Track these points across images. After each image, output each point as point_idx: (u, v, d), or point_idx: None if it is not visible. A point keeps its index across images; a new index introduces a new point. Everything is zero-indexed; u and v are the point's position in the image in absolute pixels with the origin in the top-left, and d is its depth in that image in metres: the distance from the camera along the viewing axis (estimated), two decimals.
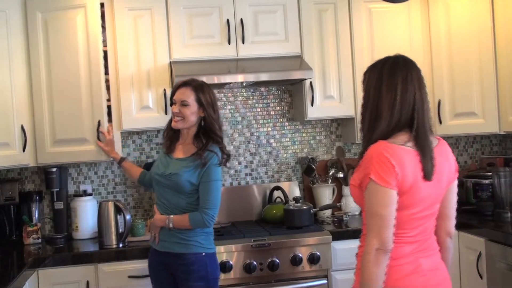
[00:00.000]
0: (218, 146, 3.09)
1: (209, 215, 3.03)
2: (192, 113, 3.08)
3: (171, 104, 3.17)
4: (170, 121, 3.17)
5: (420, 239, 2.24)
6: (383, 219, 2.10)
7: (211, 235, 3.15)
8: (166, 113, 3.82)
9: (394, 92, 2.17)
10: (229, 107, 4.38)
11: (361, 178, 2.18)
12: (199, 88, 3.10)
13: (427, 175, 2.17)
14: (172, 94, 3.17)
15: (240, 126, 4.39)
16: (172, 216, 3.06)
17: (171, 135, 3.19)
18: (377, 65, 2.28)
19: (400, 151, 2.14)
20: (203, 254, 3.07)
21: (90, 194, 4.10)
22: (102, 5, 3.81)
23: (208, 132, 3.09)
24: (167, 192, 3.12)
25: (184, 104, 3.08)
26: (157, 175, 3.16)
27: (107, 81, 3.86)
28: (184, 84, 3.14)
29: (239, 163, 4.38)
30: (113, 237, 3.63)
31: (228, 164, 3.21)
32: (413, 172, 2.15)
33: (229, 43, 3.90)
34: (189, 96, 3.08)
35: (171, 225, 3.05)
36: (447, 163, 2.29)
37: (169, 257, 3.10)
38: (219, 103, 4.25)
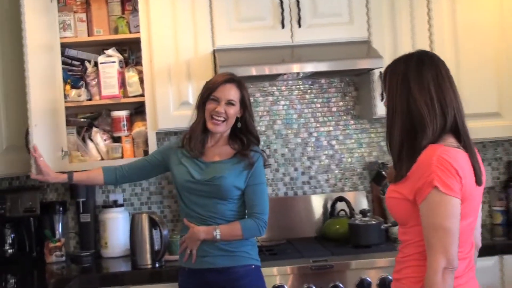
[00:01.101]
0: (258, 147, 3.24)
1: (263, 220, 3.13)
2: (235, 113, 3.19)
3: (204, 101, 3.22)
4: (199, 121, 3.23)
5: (469, 254, 2.31)
6: (449, 233, 2.16)
7: (256, 246, 3.24)
8: None
9: (429, 93, 2.26)
10: (282, 102, 4.39)
11: (414, 189, 2.23)
12: (243, 86, 3.22)
13: (478, 179, 2.28)
14: (212, 90, 3.20)
15: (296, 126, 4.39)
16: (219, 225, 3.11)
17: (202, 137, 3.24)
18: (398, 66, 2.36)
19: (458, 154, 2.24)
20: (253, 266, 3.14)
21: (121, 205, 4.16)
22: None
23: (244, 133, 3.22)
24: (205, 201, 3.16)
25: (231, 103, 3.16)
26: (189, 183, 3.18)
27: (140, 73, 3.94)
28: (229, 80, 3.20)
29: (295, 169, 4.37)
30: (148, 255, 3.66)
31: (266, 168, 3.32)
32: (470, 176, 2.25)
33: (282, 27, 3.91)
34: (235, 94, 3.17)
35: (218, 236, 3.09)
36: (482, 166, 2.38)
37: (210, 274, 3.13)
38: (271, 98, 4.32)
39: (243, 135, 3.22)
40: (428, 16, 4.04)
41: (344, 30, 3.97)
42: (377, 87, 3.99)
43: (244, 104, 3.19)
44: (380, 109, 3.99)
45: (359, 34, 3.99)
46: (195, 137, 3.23)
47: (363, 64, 3.86)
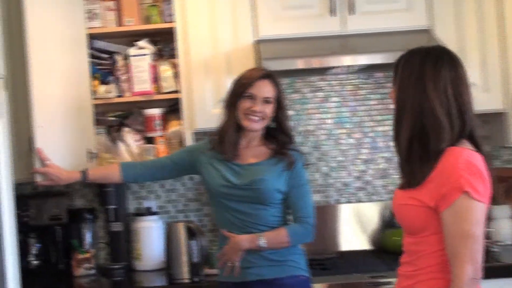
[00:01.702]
0: (296, 147, 3.29)
1: (310, 224, 3.17)
2: (272, 112, 3.21)
3: (238, 98, 3.22)
4: (231, 121, 3.24)
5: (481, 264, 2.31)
6: (478, 241, 2.20)
7: (304, 255, 3.26)
8: None
9: (445, 95, 2.30)
10: (333, 99, 4.35)
11: (437, 195, 2.25)
12: (279, 83, 3.24)
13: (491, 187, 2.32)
14: (247, 86, 3.20)
15: (348, 125, 4.36)
16: (263, 233, 3.12)
17: (234, 138, 3.24)
18: (414, 59, 2.38)
19: (481, 159, 2.29)
20: (303, 277, 3.17)
21: (156, 213, 4.17)
22: None
23: (279, 133, 3.26)
24: (245, 207, 3.16)
25: (267, 101, 3.19)
26: (226, 188, 3.19)
27: (174, 67, 3.93)
28: (266, 76, 3.21)
29: (348, 174, 4.35)
30: (185, 268, 3.68)
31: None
32: (490, 183, 2.29)
33: (333, 15, 3.89)
34: (271, 92, 3.20)
35: (263, 244, 3.09)
36: None
37: (257, 287, 3.14)
38: (320, 94, 4.30)
39: (278, 135, 3.25)
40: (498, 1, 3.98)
41: (402, 17, 3.93)
42: None
43: (280, 102, 3.22)
44: None
45: (419, 22, 3.95)
46: (227, 138, 3.22)
47: None
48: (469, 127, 2.31)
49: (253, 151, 3.25)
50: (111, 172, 3.52)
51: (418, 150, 2.31)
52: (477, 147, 2.32)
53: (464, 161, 2.22)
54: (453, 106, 2.29)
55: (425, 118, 2.30)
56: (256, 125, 3.19)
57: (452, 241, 2.22)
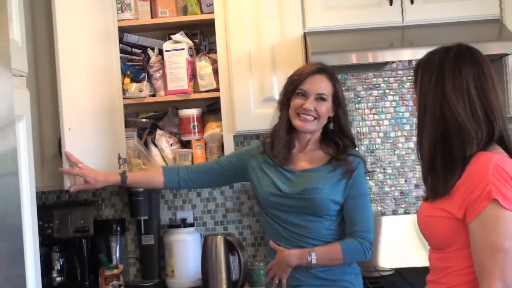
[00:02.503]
0: (357, 152, 3.24)
1: (368, 240, 3.09)
2: (327, 111, 3.16)
3: (289, 96, 3.21)
4: (283, 121, 3.23)
5: None
6: (508, 255, 2.15)
7: (360, 275, 3.22)
8: None
9: (468, 96, 2.28)
10: (390, 98, 4.31)
11: (465, 204, 2.22)
12: (336, 78, 3.20)
13: None
14: (298, 82, 3.18)
15: (408, 127, 4.31)
16: (314, 248, 3.07)
17: (287, 140, 3.22)
18: (433, 59, 2.38)
19: None
20: None
21: (191, 225, 4.16)
22: None
23: (338, 136, 3.20)
24: (296, 218, 3.11)
25: (322, 98, 3.14)
26: (275, 196, 3.15)
27: (214, 63, 3.89)
28: (319, 70, 3.17)
29: (406, 182, 4.31)
30: (224, 286, 3.66)
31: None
32: None
33: (390, 4, 3.83)
34: (326, 88, 3.16)
35: (314, 261, 3.04)
36: None
37: None
38: (376, 92, 4.28)
39: (337, 138, 3.20)
40: None
41: (469, 6, 3.89)
42: None
43: (338, 100, 3.17)
44: None
45: (488, 11, 3.89)
46: (278, 141, 3.21)
47: (494, 48, 3.72)
48: (499, 130, 2.29)
49: (308, 156, 3.20)
50: (153, 176, 3.48)
51: (442, 158, 2.31)
52: (510, 152, 2.29)
53: (494, 166, 2.18)
54: (479, 107, 2.27)
55: (447, 123, 2.29)
56: (309, 125, 3.14)
57: (480, 255, 2.19)
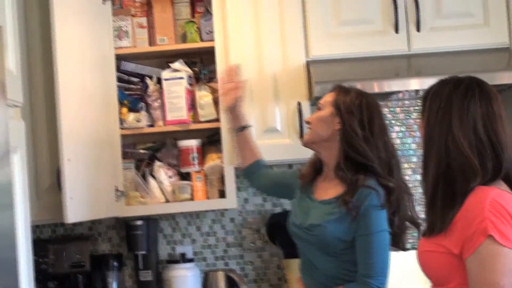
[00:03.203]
0: (378, 180, 2.93)
1: (374, 286, 2.86)
2: (322, 120, 3.02)
3: None
4: None
5: None
6: None
7: None
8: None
9: (474, 133, 2.28)
10: (397, 128, 4.32)
11: (461, 239, 2.22)
12: (344, 91, 3.05)
13: None
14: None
15: (414, 159, 4.31)
16: None
17: (316, 163, 3.13)
18: (441, 91, 2.38)
19: None
20: None
21: (191, 260, 4.15)
22: None
23: (355, 158, 2.95)
24: (310, 251, 3.02)
25: (318, 107, 3.09)
26: (294, 227, 3.09)
27: (214, 92, 3.91)
28: (333, 88, 3.12)
29: None
30: None
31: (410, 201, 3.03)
32: None
33: (396, 31, 3.85)
34: (326, 97, 3.08)
35: None
36: None
37: None
38: None
39: (352, 160, 2.94)
40: None
41: (477, 34, 3.91)
42: None
43: (339, 110, 2.97)
44: None
45: (497, 39, 3.91)
46: (307, 164, 3.16)
47: (503, 78, 3.72)
48: (505, 169, 2.28)
49: (327, 184, 3.05)
50: (252, 153, 3.44)
51: (443, 193, 2.30)
52: None
53: (491, 201, 2.18)
54: (486, 145, 2.26)
55: (451, 157, 2.29)
56: (306, 137, 3.10)
57: None
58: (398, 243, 3.02)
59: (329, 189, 3.01)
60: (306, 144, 3.10)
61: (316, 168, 3.12)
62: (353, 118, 2.95)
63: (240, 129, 3.44)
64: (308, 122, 3.09)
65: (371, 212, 2.86)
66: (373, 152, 2.93)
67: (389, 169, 2.97)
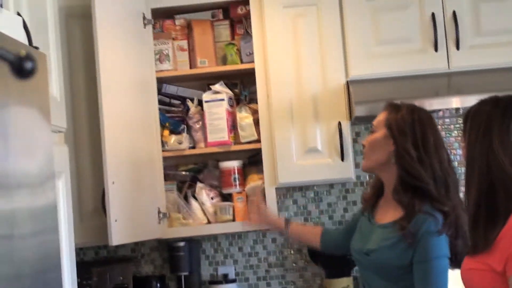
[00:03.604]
0: (433, 205, 2.85)
1: None
2: (376, 143, 2.98)
3: None
4: None
5: None
6: None
7: None
8: (342, 159, 3.80)
9: None
10: None
11: (504, 257, 2.20)
12: (394, 107, 3.01)
13: None
14: None
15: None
16: None
17: (377, 185, 3.10)
18: (482, 111, 2.40)
19: None
20: None
21: (233, 281, 4.18)
22: (243, 2, 3.98)
23: (410, 181, 2.88)
24: (369, 276, 3.00)
25: (371, 130, 3.06)
26: (354, 252, 3.07)
27: (254, 113, 3.95)
28: (386, 107, 3.06)
29: None
30: None
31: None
32: None
33: (435, 50, 3.85)
34: (378, 118, 3.03)
35: None
36: None
37: None
38: None
39: (409, 184, 2.87)
40: None
41: None
42: None
43: (391, 130, 2.92)
44: None
45: None
46: (369, 187, 3.18)
47: None
48: None
49: (386, 207, 3.00)
50: (313, 233, 3.45)
51: (486, 211, 2.29)
52: None
53: None
54: None
55: (493, 176, 2.28)
56: (363, 163, 3.08)
57: None
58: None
59: (388, 212, 2.96)
60: (365, 170, 3.12)
61: (377, 190, 3.08)
62: (406, 139, 2.89)
63: (286, 227, 3.43)
64: (363, 145, 3.06)
65: (428, 238, 2.78)
66: (428, 173, 2.86)
67: (446, 187, 2.89)
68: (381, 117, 3.00)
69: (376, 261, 2.90)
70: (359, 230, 3.09)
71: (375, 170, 3.05)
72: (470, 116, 2.42)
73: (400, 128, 2.91)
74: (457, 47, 3.84)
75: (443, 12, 3.86)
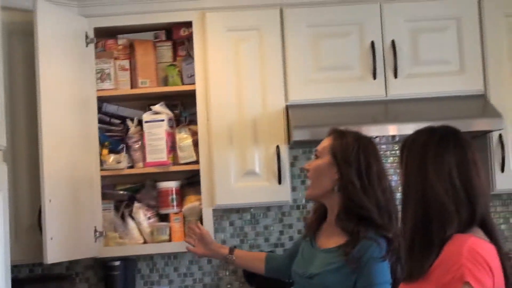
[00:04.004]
0: (378, 231, 2.84)
1: None
2: (320, 171, 2.96)
3: None
4: None
5: None
6: None
7: None
8: (280, 182, 3.85)
9: (450, 180, 2.31)
10: None
11: (439, 286, 2.22)
12: (339, 133, 2.99)
13: (508, 278, 2.28)
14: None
15: None
16: None
17: (320, 210, 3.06)
18: (418, 141, 2.42)
19: (489, 248, 2.26)
20: None
21: None
22: (186, 24, 4.00)
23: (354, 209, 2.87)
24: None
25: (315, 155, 3.03)
26: (296, 276, 3.03)
27: (194, 134, 3.98)
28: (329, 133, 3.05)
29: None
30: None
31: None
32: (500, 275, 2.25)
33: (374, 78, 3.94)
34: (322, 144, 3.00)
35: None
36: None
37: None
38: None
39: (354, 212, 2.86)
40: None
41: (454, 81, 3.99)
42: (496, 154, 3.94)
43: (335, 158, 2.90)
44: (501, 183, 3.95)
45: (472, 86, 4.00)
46: (311, 212, 3.13)
47: (479, 125, 3.83)
48: (480, 213, 2.31)
49: (329, 232, 2.97)
50: (257, 259, 3.42)
51: (420, 239, 2.32)
52: (491, 235, 2.31)
53: (468, 248, 2.20)
54: (461, 192, 2.29)
55: (428, 204, 2.31)
56: (308, 192, 3.04)
57: None
58: None
59: (332, 237, 2.93)
60: (309, 199, 3.08)
61: (320, 215, 3.05)
62: (350, 168, 2.88)
63: (230, 254, 3.39)
64: (306, 170, 3.03)
65: (372, 264, 2.78)
66: (372, 202, 2.86)
67: (388, 215, 2.87)
68: (326, 143, 2.98)
69: (319, 285, 2.87)
70: (301, 254, 3.06)
71: (319, 198, 3.02)
72: (407, 145, 2.44)
73: (345, 157, 2.90)
74: (395, 75, 3.93)
75: (382, 41, 3.94)
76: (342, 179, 2.89)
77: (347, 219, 2.87)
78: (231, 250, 3.41)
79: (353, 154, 2.90)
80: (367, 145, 2.95)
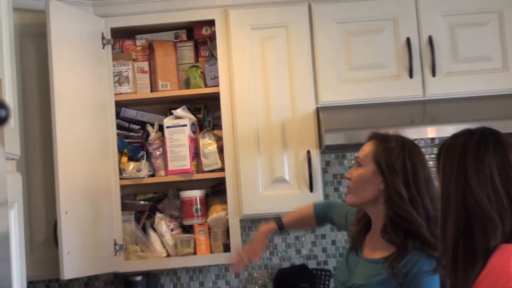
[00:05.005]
0: (423, 249, 2.78)
1: None
2: (364, 180, 2.89)
3: None
4: None
5: None
6: None
7: None
8: (311, 190, 3.84)
9: (491, 184, 2.26)
10: None
11: None
12: (382, 139, 2.92)
13: None
14: None
15: None
16: None
17: (364, 220, 3.02)
18: (455, 144, 2.38)
19: None
20: None
21: None
22: (208, 23, 4.01)
23: (401, 224, 2.81)
24: None
25: (357, 163, 2.95)
26: (338, 283, 3.02)
27: (219, 140, 3.96)
28: (370, 137, 2.99)
29: None
30: None
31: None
32: None
33: (410, 76, 3.92)
34: (364, 151, 2.93)
35: None
36: None
37: None
38: None
39: (400, 224, 2.80)
40: None
41: (496, 79, 3.96)
42: None
43: (380, 168, 2.83)
44: None
45: None
46: (355, 222, 3.06)
47: None
48: None
49: (374, 243, 2.92)
50: (305, 214, 3.44)
51: (464, 250, 2.28)
52: None
53: None
54: (503, 197, 2.25)
55: (470, 212, 2.27)
56: (348, 198, 2.96)
57: None
58: None
59: (377, 248, 2.89)
60: (349, 205, 3.01)
61: (364, 225, 3.00)
62: (397, 178, 2.81)
63: (280, 227, 3.44)
64: (348, 179, 2.95)
65: (421, 278, 2.73)
66: (420, 212, 2.78)
67: (437, 225, 2.72)
68: (368, 149, 2.90)
69: None
70: (345, 261, 3.03)
71: (361, 206, 2.97)
72: (444, 150, 2.40)
73: (391, 167, 2.82)
74: (433, 74, 3.90)
75: (419, 37, 3.92)
76: (388, 189, 2.82)
77: (393, 232, 2.81)
78: (280, 226, 3.42)
79: (399, 161, 2.82)
80: (412, 150, 2.88)
